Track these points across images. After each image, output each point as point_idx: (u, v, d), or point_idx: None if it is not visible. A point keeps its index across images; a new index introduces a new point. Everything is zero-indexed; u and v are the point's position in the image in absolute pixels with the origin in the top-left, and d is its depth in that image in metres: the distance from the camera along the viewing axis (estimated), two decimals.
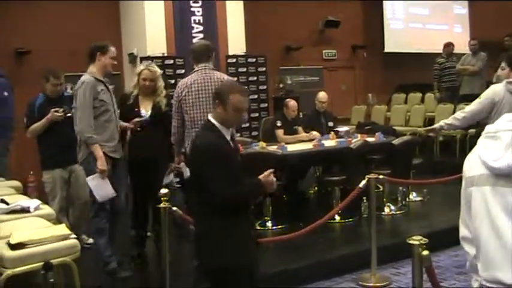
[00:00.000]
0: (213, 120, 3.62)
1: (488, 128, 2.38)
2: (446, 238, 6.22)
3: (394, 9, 16.14)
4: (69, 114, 6.12)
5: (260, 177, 3.63)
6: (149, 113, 6.00)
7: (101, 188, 5.46)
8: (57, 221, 6.49)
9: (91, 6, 11.17)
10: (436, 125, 6.21)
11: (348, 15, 15.04)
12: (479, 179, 2.28)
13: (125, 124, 5.95)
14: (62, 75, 6.58)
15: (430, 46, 15.78)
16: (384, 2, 15.86)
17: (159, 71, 6.14)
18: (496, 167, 2.21)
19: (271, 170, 3.67)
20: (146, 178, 5.97)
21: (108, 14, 11.60)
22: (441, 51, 12.91)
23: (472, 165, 2.34)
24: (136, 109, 6.02)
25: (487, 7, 16.33)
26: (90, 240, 6.51)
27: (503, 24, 14.94)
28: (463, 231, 2.43)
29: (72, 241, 4.27)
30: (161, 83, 6.10)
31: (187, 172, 5.64)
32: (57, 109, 6.31)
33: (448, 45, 12.75)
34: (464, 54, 12.26)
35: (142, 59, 10.48)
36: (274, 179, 3.69)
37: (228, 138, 3.65)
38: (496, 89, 5.76)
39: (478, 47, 11.88)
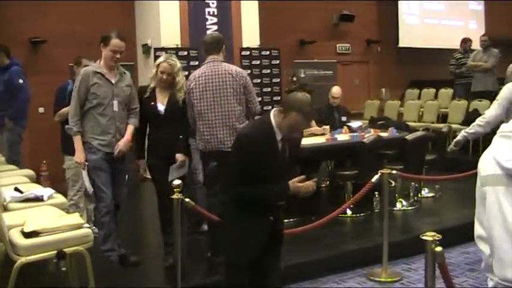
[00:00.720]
0: (272, 117, 3.57)
1: (503, 127, 2.36)
2: (458, 235, 6.24)
3: (409, 4, 16.05)
4: None
5: (290, 182, 3.59)
6: (164, 107, 5.69)
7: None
8: (76, 208, 6.57)
9: None
10: (459, 138, 6.10)
11: (362, 10, 14.97)
12: (493, 179, 2.26)
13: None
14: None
15: (445, 42, 15.70)
16: None
17: (178, 65, 5.77)
18: (509, 168, 2.20)
19: (302, 177, 3.64)
20: (164, 176, 5.64)
21: (123, 4, 11.61)
22: (456, 48, 12.83)
23: (486, 164, 2.31)
24: (152, 103, 5.71)
25: (502, 4, 16.23)
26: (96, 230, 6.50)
27: None
28: (478, 230, 2.41)
29: (85, 230, 4.29)
30: (181, 77, 5.74)
31: (197, 164, 5.64)
32: None
33: (466, 41, 12.67)
34: None
35: (156, 50, 10.52)
36: (313, 185, 3.65)
37: (279, 138, 3.57)
38: (510, 88, 5.74)
39: (489, 43, 11.78)
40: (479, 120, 5.93)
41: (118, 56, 5.54)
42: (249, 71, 11.76)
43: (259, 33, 11.98)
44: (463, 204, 7.56)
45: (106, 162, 5.52)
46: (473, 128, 5.96)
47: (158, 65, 5.73)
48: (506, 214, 2.19)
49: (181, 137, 5.68)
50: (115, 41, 5.49)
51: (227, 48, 5.96)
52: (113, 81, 5.57)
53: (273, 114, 3.57)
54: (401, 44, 15.72)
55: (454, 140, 6.16)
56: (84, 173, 5.48)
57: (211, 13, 11.31)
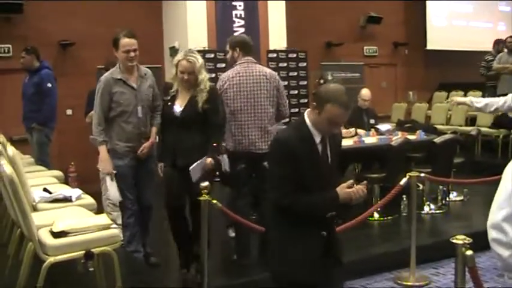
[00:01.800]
0: (306, 118, 3.26)
1: None
2: (487, 239, 6.14)
3: (437, 5, 15.92)
4: None
5: (337, 188, 3.24)
6: (181, 109, 5.17)
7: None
8: (113, 207, 6.57)
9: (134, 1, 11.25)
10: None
11: (389, 12, 14.89)
12: None
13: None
14: None
15: (474, 44, 15.55)
16: None
17: (200, 61, 5.15)
18: None
19: (350, 181, 3.30)
20: (179, 190, 5.21)
21: (151, 6, 11.66)
22: (484, 49, 12.67)
23: None
24: (170, 103, 5.23)
25: None
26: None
27: None
28: (495, 235, 2.43)
29: (113, 231, 4.32)
30: (204, 76, 5.15)
31: (226, 165, 5.63)
32: None
33: (498, 43, 12.47)
34: None
35: None
36: (364, 189, 3.29)
37: (317, 140, 3.24)
38: None
39: None
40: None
41: (132, 54, 5.37)
42: (275, 73, 11.77)
43: (286, 35, 11.97)
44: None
45: (131, 168, 5.49)
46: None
47: (177, 64, 5.16)
48: None
49: (214, 145, 5.21)
50: (124, 41, 5.36)
51: (255, 50, 5.96)
52: (135, 86, 5.45)
53: (307, 114, 3.26)
54: (429, 47, 15.60)
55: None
56: (109, 182, 5.42)
57: (238, 15, 11.33)
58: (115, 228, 4.36)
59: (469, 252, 3.19)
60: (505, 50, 11.73)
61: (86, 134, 7.06)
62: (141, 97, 5.48)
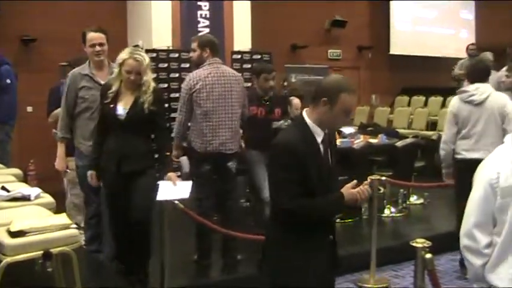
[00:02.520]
0: (306, 118, 3.13)
1: None
2: (446, 242, 6.23)
3: (401, 11, 16.10)
4: None
5: (342, 190, 3.16)
6: (126, 111, 4.77)
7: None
8: (76, 210, 6.44)
9: None
10: (444, 172, 6.06)
11: (354, 16, 15.02)
12: None
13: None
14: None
15: (436, 50, 15.83)
16: (391, 3, 15.83)
17: (147, 60, 4.82)
18: None
19: (354, 182, 3.23)
20: (120, 199, 4.85)
21: (115, 4, 11.56)
22: (447, 56, 12.84)
23: (509, 174, 2.28)
24: (112, 104, 4.79)
25: (493, 13, 16.31)
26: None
27: (508, 30, 14.95)
28: (467, 242, 2.42)
29: (73, 231, 4.25)
30: (149, 76, 4.83)
31: (185, 167, 5.57)
32: None
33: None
34: None
35: (148, 51, 10.46)
36: (368, 189, 3.22)
37: (319, 140, 3.12)
38: (452, 102, 5.85)
39: (477, 52, 11.77)
40: (441, 148, 5.91)
41: (98, 48, 5.28)
42: (239, 74, 11.75)
43: (251, 36, 11.97)
44: (451, 212, 7.56)
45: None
46: (442, 156, 5.93)
47: (122, 63, 4.75)
48: None
49: (167, 154, 5.17)
50: (90, 35, 5.31)
51: (219, 51, 5.95)
52: (102, 83, 5.23)
53: (307, 114, 3.13)
54: (392, 51, 15.77)
55: (444, 175, 6.11)
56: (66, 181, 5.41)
57: (203, 15, 11.28)
58: (74, 228, 4.30)
59: (429, 255, 3.23)
60: (467, 57, 11.91)
61: (47, 132, 6.97)
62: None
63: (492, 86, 5.84)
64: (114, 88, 4.80)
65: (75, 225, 4.39)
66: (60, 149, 5.41)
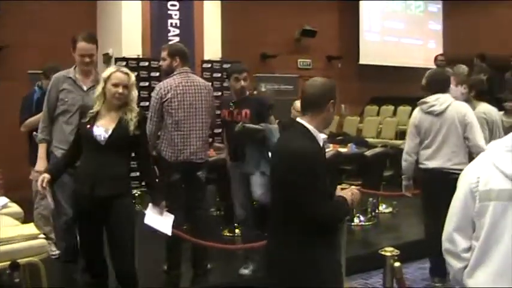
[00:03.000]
0: (306, 124, 3.16)
1: (505, 142, 2.37)
2: (415, 250, 6.30)
3: (370, 22, 16.26)
4: None
5: (341, 193, 3.25)
6: (109, 133, 4.35)
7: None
8: (44, 221, 6.31)
9: (68, 4, 11.05)
10: (404, 183, 6.11)
11: (324, 26, 15.11)
12: (502, 194, 2.27)
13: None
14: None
15: (405, 60, 16.01)
16: (360, 14, 15.97)
17: (133, 76, 4.56)
18: None
19: (345, 186, 3.35)
20: (93, 229, 4.45)
21: (85, 11, 11.48)
22: (415, 66, 12.98)
23: (488, 178, 2.31)
24: (89, 125, 4.37)
25: (460, 24, 16.56)
26: (57, 252, 6.15)
27: (475, 41, 15.20)
28: (448, 246, 2.47)
29: (40, 241, 4.22)
30: (135, 93, 4.53)
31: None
32: None
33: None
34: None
35: (117, 59, 10.43)
36: (359, 192, 3.32)
37: (321, 144, 3.23)
38: (414, 113, 5.91)
39: (445, 63, 11.92)
40: (403, 159, 5.95)
41: (87, 60, 5.16)
42: (210, 84, 11.74)
43: (221, 46, 11.98)
44: (419, 220, 7.63)
45: (69, 176, 4.84)
46: (403, 167, 5.98)
47: (108, 77, 4.41)
48: None
49: (157, 180, 4.87)
50: (80, 45, 5.14)
51: (189, 59, 5.94)
52: (85, 88, 5.19)
53: (308, 121, 3.17)
54: (361, 61, 15.90)
55: (404, 187, 6.16)
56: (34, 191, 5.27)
57: (173, 24, 11.27)
58: (42, 238, 4.25)
59: (397, 264, 3.25)
60: (435, 67, 12.04)
61: (14, 140, 6.87)
62: (88, 100, 4.95)
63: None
64: (95, 108, 4.41)
65: (43, 236, 4.35)
66: (42, 150, 5.28)
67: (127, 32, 10.85)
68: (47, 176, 4.39)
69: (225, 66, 11.73)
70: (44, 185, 4.36)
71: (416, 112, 5.82)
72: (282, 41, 14.59)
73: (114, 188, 4.32)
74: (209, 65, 11.66)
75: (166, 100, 5.43)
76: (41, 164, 5.25)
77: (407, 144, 5.88)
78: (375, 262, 4.32)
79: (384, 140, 12.55)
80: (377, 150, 8.51)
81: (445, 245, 2.48)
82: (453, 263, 2.45)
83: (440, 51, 15.50)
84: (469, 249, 2.39)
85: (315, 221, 3.03)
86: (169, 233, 4.80)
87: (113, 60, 10.71)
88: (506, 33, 15.86)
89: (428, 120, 5.64)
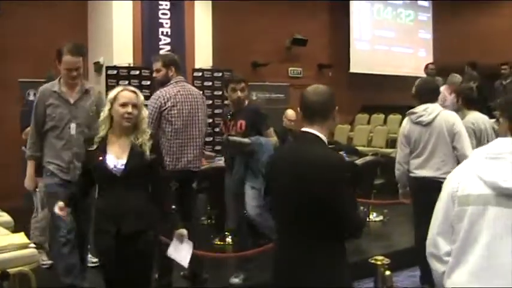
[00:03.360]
0: (321, 135, 3.13)
1: (487, 150, 2.47)
2: (406, 259, 6.32)
3: (360, 30, 16.32)
4: None
5: None
6: (124, 163, 3.94)
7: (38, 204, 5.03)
8: (42, 233, 6.20)
9: (59, 12, 11.05)
10: (400, 192, 6.15)
11: (315, 34, 15.14)
12: (479, 199, 2.37)
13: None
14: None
15: (395, 69, 16.07)
16: (350, 23, 16.02)
17: (141, 95, 4.13)
18: (506, 187, 2.30)
19: None
20: (124, 261, 3.96)
21: (76, 19, 11.47)
22: (406, 74, 13.02)
23: (468, 184, 2.42)
24: (101, 157, 3.94)
25: (450, 33, 16.67)
26: (49, 262, 6.14)
27: (465, 50, 15.30)
28: (431, 249, 2.55)
29: (31, 250, 4.21)
30: (145, 113, 4.16)
31: None
32: None
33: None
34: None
35: (108, 68, 10.43)
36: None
37: None
38: (403, 123, 5.94)
39: (435, 71, 11.98)
40: (396, 168, 5.99)
41: (74, 73, 4.98)
42: (201, 92, 11.76)
43: (212, 54, 12.01)
44: (411, 228, 7.64)
45: (63, 189, 4.83)
46: (397, 176, 6.02)
47: (115, 98, 4.00)
48: (495, 233, 2.32)
49: (173, 211, 4.60)
50: (66, 58, 4.95)
51: (182, 69, 5.97)
52: (71, 101, 5.03)
53: (319, 132, 3.14)
54: (352, 70, 15.93)
55: (400, 195, 6.19)
56: (37, 197, 5.12)
57: (164, 33, 11.29)
58: (33, 247, 4.24)
59: (388, 273, 3.27)
60: (425, 76, 12.09)
61: (3, 149, 6.85)
62: (76, 114, 5.00)
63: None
64: (101, 133, 4.00)
65: (33, 245, 4.34)
66: (30, 167, 5.14)
67: (118, 40, 10.85)
68: (61, 204, 4.15)
69: (216, 74, 11.78)
70: (63, 213, 4.18)
71: (405, 122, 5.85)
72: (272, 50, 14.61)
73: (140, 224, 3.93)
74: (200, 74, 11.69)
75: (166, 109, 5.46)
76: (29, 181, 5.20)
77: (398, 154, 5.92)
78: (366, 270, 4.33)
79: (374, 148, 12.58)
80: (368, 158, 8.54)
81: (429, 248, 2.57)
82: (436, 267, 2.53)
83: (431, 59, 15.56)
84: (450, 252, 2.47)
85: (353, 229, 3.10)
86: (186, 265, 4.54)
87: (103, 69, 10.72)
88: (495, 41, 16.02)
89: (417, 130, 5.67)
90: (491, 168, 2.38)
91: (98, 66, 11.11)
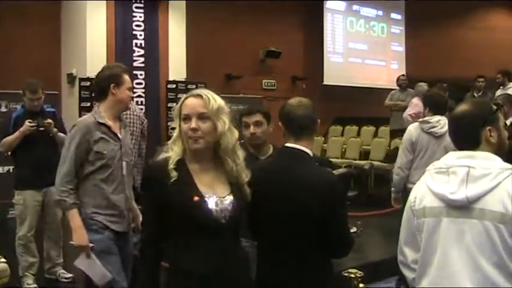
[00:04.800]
0: (308, 151, 3.03)
1: (438, 164, 2.58)
2: (379, 270, 6.34)
3: (334, 43, 16.42)
4: (42, 128, 5.72)
5: None
6: (230, 203, 2.75)
7: (93, 269, 3.95)
8: (25, 247, 5.86)
9: (31, 24, 10.97)
10: (394, 196, 6.19)
11: (289, 47, 15.21)
12: (432, 211, 2.50)
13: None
14: (40, 89, 5.83)
15: (368, 81, 16.20)
16: (324, 35, 16.12)
17: (218, 100, 2.88)
18: (454, 199, 2.41)
19: None
20: None
21: (50, 31, 11.41)
22: (379, 87, 13.11)
23: (422, 197, 2.55)
24: (197, 196, 2.66)
25: (422, 46, 16.87)
26: (68, 275, 6.02)
27: (437, 62, 15.50)
28: (400, 257, 2.69)
29: (2, 265, 4.14)
30: (226, 125, 2.81)
31: None
32: (30, 120, 5.72)
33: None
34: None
35: (82, 80, 10.37)
36: None
37: None
38: (411, 130, 5.94)
39: (407, 83, 12.08)
40: (395, 172, 6.05)
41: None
42: (174, 104, 11.71)
43: (186, 66, 12.00)
44: (384, 240, 7.70)
45: (114, 242, 4.06)
46: (394, 181, 6.07)
47: (180, 110, 2.83)
48: (447, 243, 2.44)
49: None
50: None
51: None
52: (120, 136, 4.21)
53: (306, 147, 3.03)
54: (326, 82, 16.00)
55: (392, 199, 6.23)
56: (87, 261, 3.96)
57: (138, 44, 11.26)
58: (3, 262, 4.19)
59: (361, 285, 3.28)
60: (398, 88, 12.21)
61: None
62: (125, 149, 4.25)
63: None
64: (174, 157, 2.73)
65: (3, 259, 4.28)
66: (77, 219, 3.99)
67: (91, 52, 10.79)
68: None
69: (189, 86, 11.75)
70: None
71: (414, 129, 5.88)
72: (246, 62, 14.64)
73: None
74: (174, 86, 11.67)
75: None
76: (80, 235, 3.98)
77: (401, 159, 5.94)
78: (339, 283, 4.34)
79: (348, 160, 12.62)
80: (341, 170, 8.50)
81: (398, 256, 2.71)
82: (406, 274, 2.67)
83: (403, 72, 15.70)
84: (417, 261, 2.59)
85: (347, 248, 3.06)
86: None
87: (76, 80, 10.66)
88: (467, 54, 16.23)
89: (426, 139, 5.74)
90: (439, 181, 2.50)
91: (71, 78, 11.04)
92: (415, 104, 9.22)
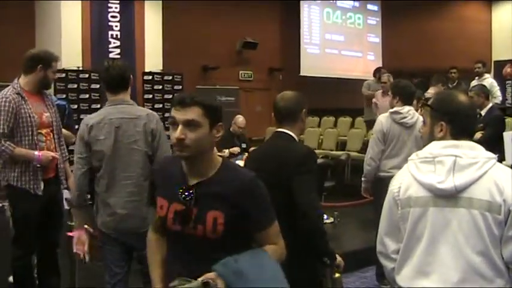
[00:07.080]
0: (292, 134, 3.49)
1: (423, 154, 2.57)
2: (356, 260, 6.38)
3: (310, 34, 16.44)
4: None
5: None
6: None
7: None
8: None
9: (5, 15, 10.84)
10: (364, 186, 6.19)
11: (265, 38, 15.21)
12: (419, 201, 2.51)
13: None
14: None
15: (345, 72, 16.25)
16: (301, 26, 16.13)
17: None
18: (442, 188, 2.43)
19: None
20: None
21: (23, 23, 11.29)
22: (355, 77, 13.14)
23: (407, 187, 2.55)
24: None
25: (398, 38, 16.96)
26: None
27: (413, 54, 15.58)
28: (380, 247, 2.70)
29: None
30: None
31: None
32: None
33: (378, 71, 12.84)
34: None
35: (57, 71, 10.27)
36: None
37: None
38: (382, 121, 5.97)
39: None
40: (366, 163, 6.06)
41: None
42: (150, 96, 11.71)
43: (162, 57, 11.95)
44: (361, 229, 7.76)
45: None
46: (366, 171, 6.08)
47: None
48: (435, 232, 2.47)
49: None
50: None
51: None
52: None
53: (292, 131, 3.50)
54: (302, 73, 16.01)
55: (363, 189, 6.24)
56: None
57: (114, 36, 11.20)
58: None
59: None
60: (373, 79, 12.21)
61: None
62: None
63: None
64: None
65: None
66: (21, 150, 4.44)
67: (66, 43, 10.71)
68: None
69: (166, 78, 11.73)
70: None
71: (384, 120, 5.88)
72: (223, 53, 14.62)
73: None
74: (150, 77, 11.64)
75: None
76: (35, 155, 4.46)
77: (372, 150, 5.94)
78: (315, 272, 4.36)
79: (324, 151, 12.63)
80: (318, 161, 8.58)
81: (378, 247, 2.71)
82: (385, 264, 2.69)
83: (380, 63, 15.78)
84: (398, 251, 2.61)
85: (309, 220, 3.25)
86: None
87: None
88: (444, 45, 16.35)
89: (397, 130, 5.74)
90: (425, 171, 2.51)
91: None
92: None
